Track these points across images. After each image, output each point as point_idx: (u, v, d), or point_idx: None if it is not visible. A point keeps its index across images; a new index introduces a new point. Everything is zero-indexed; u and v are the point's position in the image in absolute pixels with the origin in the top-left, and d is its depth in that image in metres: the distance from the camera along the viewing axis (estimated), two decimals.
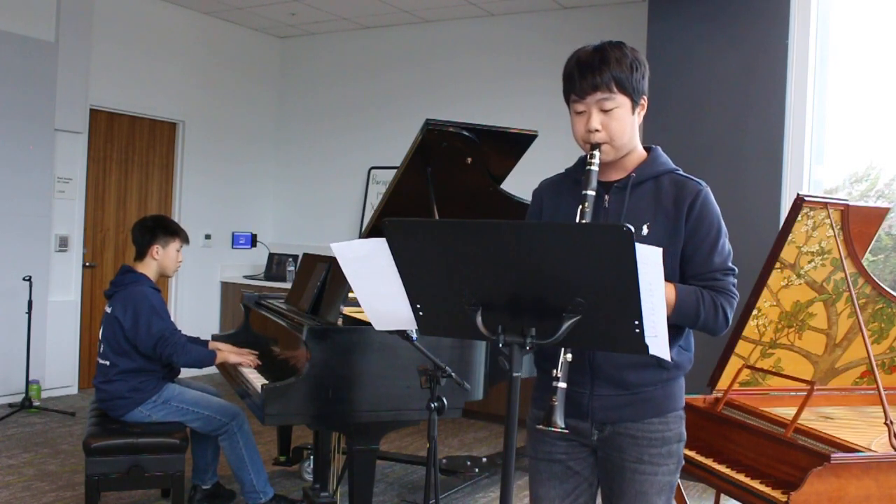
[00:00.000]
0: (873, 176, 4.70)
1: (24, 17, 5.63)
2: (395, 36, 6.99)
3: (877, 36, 4.69)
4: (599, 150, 1.80)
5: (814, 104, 4.50)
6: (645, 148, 1.92)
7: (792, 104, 4.45)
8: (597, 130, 1.80)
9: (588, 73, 1.79)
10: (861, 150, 4.73)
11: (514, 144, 3.46)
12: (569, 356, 1.67)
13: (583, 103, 1.81)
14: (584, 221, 1.74)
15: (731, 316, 1.82)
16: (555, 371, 1.67)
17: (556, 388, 1.65)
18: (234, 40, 7.25)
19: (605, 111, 1.80)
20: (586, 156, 1.82)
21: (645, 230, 1.83)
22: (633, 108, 1.83)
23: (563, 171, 2.01)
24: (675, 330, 1.83)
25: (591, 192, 1.76)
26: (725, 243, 1.85)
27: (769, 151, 4.46)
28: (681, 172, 1.89)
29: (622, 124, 1.81)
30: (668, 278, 1.77)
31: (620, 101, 1.80)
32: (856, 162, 4.74)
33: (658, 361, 1.78)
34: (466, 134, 3.27)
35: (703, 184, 1.87)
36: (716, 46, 4.60)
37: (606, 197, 1.87)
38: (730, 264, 1.85)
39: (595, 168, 1.79)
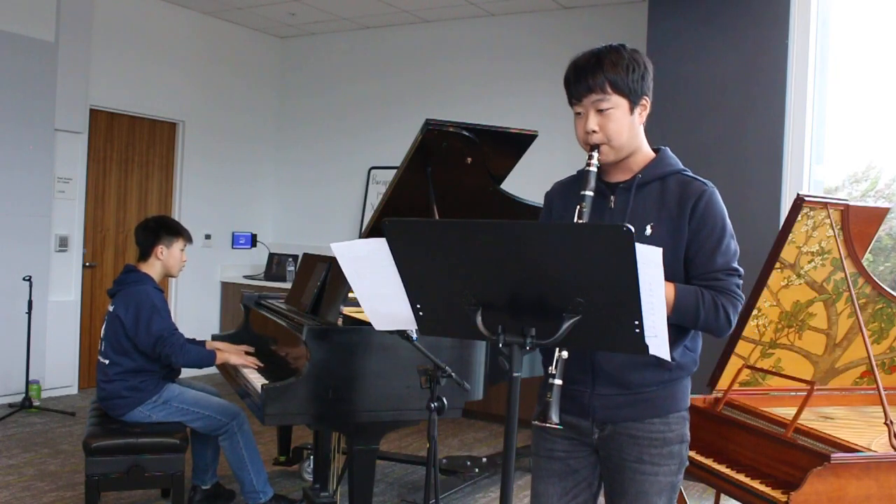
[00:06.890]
0: (873, 176, 4.70)
1: (23, 17, 5.63)
2: (395, 36, 6.99)
3: (877, 36, 4.69)
4: (598, 151, 1.83)
5: (814, 104, 4.50)
6: (654, 149, 1.93)
7: (792, 104, 4.45)
8: (594, 131, 1.83)
9: (582, 77, 1.83)
10: (861, 150, 4.73)
11: (514, 144, 3.46)
12: (564, 353, 1.67)
13: (580, 105, 1.85)
14: (581, 221, 1.75)
15: (733, 317, 1.80)
16: (551, 368, 1.67)
17: (552, 384, 1.66)
18: (234, 40, 7.25)
19: (600, 112, 1.82)
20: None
21: (648, 230, 1.83)
22: (632, 109, 1.84)
23: (574, 172, 2.02)
24: (680, 330, 1.83)
25: (590, 193, 1.78)
26: (731, 244, 1.84)
27: (769, 151, 4.46)
28: (688, 173, 1.90)
29: (619, 125, 1.83)
30: (670, 278, 1.77)
31: (616, 102, 1.82)
32: (856, 162, 4.74)
33: (659, 361, 1.78)
34: (466, 134, 3.27)
35: (709, 184, 1.86)
36: (716, 47, 4.60)
37: (612, 198, 1.89)
38: (734, 265, 1.83)
39: (593, 169, 1.81)
